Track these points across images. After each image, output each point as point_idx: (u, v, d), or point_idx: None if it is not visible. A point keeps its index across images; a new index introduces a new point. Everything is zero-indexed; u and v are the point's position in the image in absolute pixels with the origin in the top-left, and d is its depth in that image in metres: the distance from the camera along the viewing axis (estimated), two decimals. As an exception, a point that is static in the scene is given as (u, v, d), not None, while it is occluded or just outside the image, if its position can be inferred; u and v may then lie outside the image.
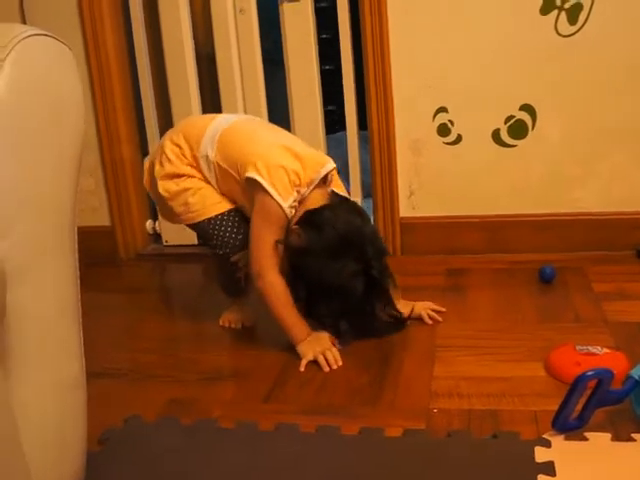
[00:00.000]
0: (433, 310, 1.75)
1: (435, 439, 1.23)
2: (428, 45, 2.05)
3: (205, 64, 2.37)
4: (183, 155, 1.67)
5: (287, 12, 2.14)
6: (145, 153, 2.33)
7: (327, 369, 1.53)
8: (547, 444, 1.16)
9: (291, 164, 1.59)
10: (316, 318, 1.62)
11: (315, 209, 1.61)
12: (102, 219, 2.45)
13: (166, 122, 2.38)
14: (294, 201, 1.60)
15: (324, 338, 1.60)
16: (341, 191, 1.72)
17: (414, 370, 1.51)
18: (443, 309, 1.77)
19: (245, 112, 2.28)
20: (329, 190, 1.66)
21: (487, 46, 2.02)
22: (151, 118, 2.40)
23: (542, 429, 1.22)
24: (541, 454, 1.14)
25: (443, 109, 2.08)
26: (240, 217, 1.69)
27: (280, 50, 2.21)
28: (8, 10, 2.30)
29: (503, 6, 1.98)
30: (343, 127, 2.28)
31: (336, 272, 1.55)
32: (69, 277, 0.98)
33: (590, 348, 1.44)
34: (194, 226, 1.72)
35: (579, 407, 1.19)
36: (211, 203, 1.68)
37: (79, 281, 1.01)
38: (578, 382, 1.15)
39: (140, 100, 2.41)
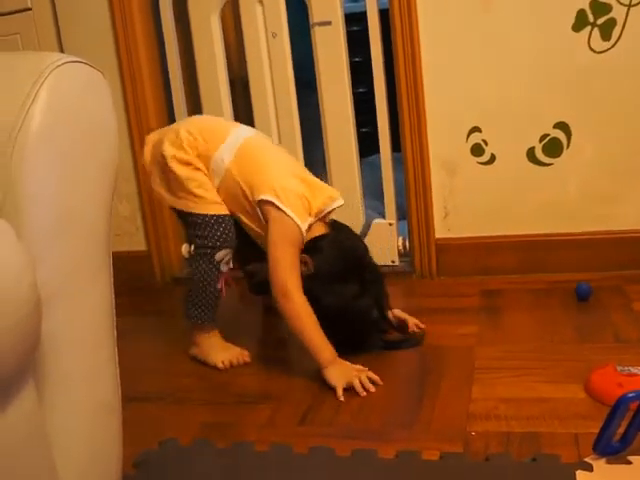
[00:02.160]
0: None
1: (473, 463, 1.21)
2: (460, 65, 2.05)
3: (239, 88, 2.40)
4: (195, 147, 1.69)
5: (319, 35, 2.15)
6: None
7: (364, 394, 1.51)
8: (589, 468, 1.14)
9: (305, 192, 1.65)
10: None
11: (319, 236, 1.67)
12: (138, 244, 2.48)
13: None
14: (308, 225, 1.64)
15: (351, 366, 1.57)
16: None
17: (451, 392, 1.49)
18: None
19: (279, 136, 2.29)
20: (327, 220, 1.73)
21: (520, 64, 2.00)
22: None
23: (583, 452, 1.19)
24: (583, 478, 1.11)
25: (476, 129, 2.07)
26: (234, 223, 1.72)
27: (312, 73, 2.22)
28: (46, 38, 2.35)
29: (535, 24, 1.97)
30: (377, 150, 2.28)
31: (340, 295, 1.63)
32: (104, 302, 0.99)
33: (631, 369, 1.40)
34: (188, 214, 1.72)
35: (621, 429, 1.16)
36: (213, 201, 1.70)
37: (114, 305, 1.02)
38: (620, 404, 1.13)
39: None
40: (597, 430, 1.16)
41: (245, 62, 2.27)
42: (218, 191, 1.71)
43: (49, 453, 0.86)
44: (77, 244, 0.93)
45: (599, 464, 1.15)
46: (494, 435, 1.29)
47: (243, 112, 2.41)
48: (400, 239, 2.27)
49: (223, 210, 1.70)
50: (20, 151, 0.83)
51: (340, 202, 1.72)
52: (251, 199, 1.67)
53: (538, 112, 2.02)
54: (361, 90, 2.46)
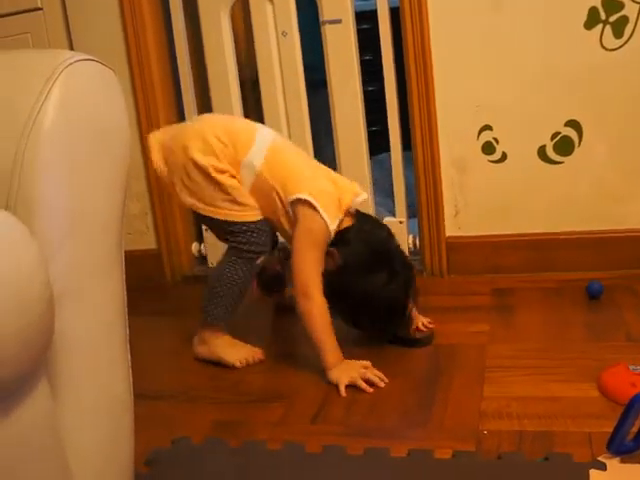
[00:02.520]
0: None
1: (485, 461, 1.21)
2: (471, 63, 2.04)
3: (248, 87, 2.39)
4: (227, 154, 1.67)
5: (329, 34, 2.15)
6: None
7: (371, 390, 1.52)
8: (602, 467, 1.13)
9: (335, 192, 1.66)
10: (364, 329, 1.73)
11: (345, 228, 1.67)
12: (149, 243, 2.48)
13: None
14: (338, 223, 1.65)
15: (356, 364, 1.59)
16: None
17: (463, 391, 1.49)
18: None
19: (289, 134, 2.29)
20: (352, 211, 1.72)
21: (531, 62, 1.99)
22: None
23: (596, 451, 1.19)
24: (596, 477, 1.11)
25: (487, 127, 2.06)
26: (268, 226, 1.71)
27: (322, 72, 2.21)
28: (56, 37, 2.35)
29: (547, 21, 1.96)
30: (387, 148, 2.28)
31: (370, 283, 1.63)
32: (116, 300, 0.99)
33: (644, 368, 1.40)
34: (229, 223, 1.69)
35: (635, 429, 1.15)
36: (254, 208, 1.69)
37: (126, 303, 1.02)
38: (634, 403, 1.12)
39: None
40: (610, 429, 1.16)
41: (255, 61, 2.26)
42: (253, 195, 1.69)
43: (62, 450, 0.86)
44: (89, 242, 0.92)
45: (613, 463, 1.14)
46: (506, 434, 1.29)
47: (253, 111, 2.40)
48: (410, 237, 2.27)
49: (261, 216, 1.70)
50: (32, 148, 0.83)
51: (365, 196, 1.73)
52: (284, 200, 1.66)
53: (549, 110, 2.01)
54: (371, 88, 2.45)
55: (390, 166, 2.26)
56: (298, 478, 1.22)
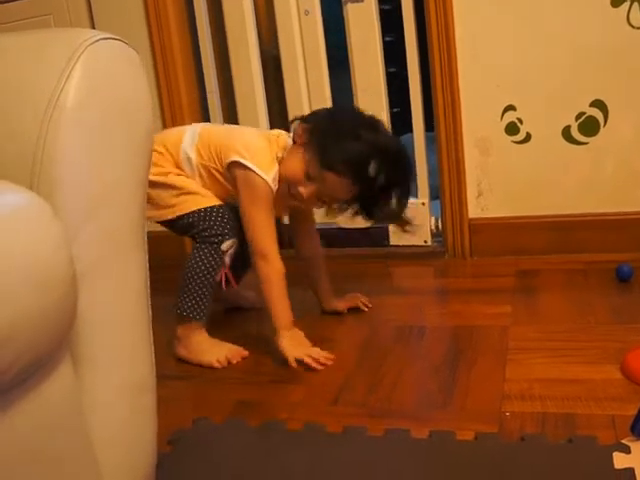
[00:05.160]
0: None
1: (508, 443, 1.20)
2: (495, 43, 2.01)
3: (271, 66, 2.38)
4: (165, 160, 1.68)
5: (351, 13, 2.13)
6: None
7: (320, 367, 1.57)
8: (626, 450, 1.12)
9: (266, 143, 1.66)
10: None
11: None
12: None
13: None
14: (275, 172, 1.63)
15: (305, 339, 1.63)
16: None
17: (486, 373, 1.47)
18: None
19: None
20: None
21: (556, 41, 1.97)
22: (218, 122, 2.43)
23: (620, 434, 1.17)
24: (620, 460, 1.10)
25: (511, 107, 2.04)
26: (229, 210, 1.68)
27: (345, 51, 2.20)
28: (78, 18, 2.36)
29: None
30: (409, 129, 2.26)
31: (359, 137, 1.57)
32: (139, 280, 0.99)
33: (670, 350, 1.38)
34: (187, 216, 1.67)
35: (660, 411, 1.14)
36: (207, 194, 1.68)
37: (149, 283, 1.02)
38: (659, 385, 1.10)
39: (206, 103, 2.44)
40: (634, 412, 1.15)
41: (277, 39, 2.25)
42: (205, 186, 1.70)
43: (86, 430, 0.86)
44: (112, 221, 0.92)
45: (637, 446, 1.13)
46: (529, 416, 1.28)
47: (275, 89, 2.39)
48: (433, 219, 2.25)
49: (219, 201, 1.69)
50: (55, 128, 0.83)
51: (294, 125, 1.68)
52: (223, 172, 1.67)
53: (574, 90, 1.98)
54: (394, 69, 2.43)
55: (413, 147, 2.24)
56: (318, 458, 1.22)
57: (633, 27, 1.90)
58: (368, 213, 1.69)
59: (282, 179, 1.64)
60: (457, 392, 1.41)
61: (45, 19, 2.39)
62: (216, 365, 1.66)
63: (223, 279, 1.70)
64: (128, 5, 2.31)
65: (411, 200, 2.23)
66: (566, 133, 2.01)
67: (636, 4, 1.88)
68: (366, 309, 1.87)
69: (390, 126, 2.23)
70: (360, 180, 1.58)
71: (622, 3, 1.89)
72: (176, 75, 2.33)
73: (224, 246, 1.64)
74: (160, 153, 1.69)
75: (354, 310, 1.88)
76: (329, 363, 1.58)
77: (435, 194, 2.26)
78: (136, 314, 0.99)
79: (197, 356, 1.68)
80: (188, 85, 2.37)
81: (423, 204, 2.24)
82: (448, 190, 2.15)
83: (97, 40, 0.89)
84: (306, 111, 2.26)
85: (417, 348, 1.64)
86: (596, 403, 1.29)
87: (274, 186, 1.63)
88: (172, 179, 1.67)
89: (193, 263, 1.66)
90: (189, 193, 1.67)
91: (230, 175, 1.65)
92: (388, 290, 2.06)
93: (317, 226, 2.39)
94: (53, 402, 0.79)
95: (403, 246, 2.29)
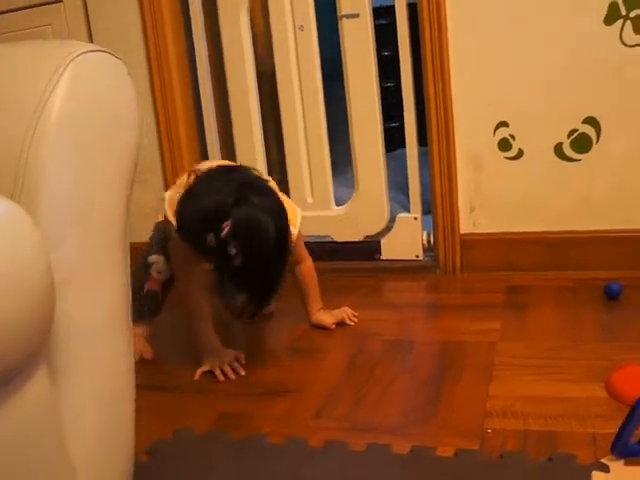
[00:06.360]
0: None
1: (488, 460, 1.19)
2: (488, 59, 2.02)
3: (265, 80, 2.39)
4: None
5: (346, 28, 2.14)
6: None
7: (222, 378, 1.62)
8: (605, 469, 1.11)
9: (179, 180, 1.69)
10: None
11: None
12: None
13: (227, 142, 2.42)
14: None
15: (228, 353, 1.68)
16: None
17: (470, 389, 1.47)
18: (356, 314, 1.89)
19: (305, 128, 2.29)
20: None
21: (549, 58, 1.97)
22: (213, 143, 2.46)
23: (600, 453, 1.17)
24: (599, 479, 1.09)
25: (504, 123, 2.04)
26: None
27: (339, 66, 2.21)
28: (76, 30, 2.37)
29: (566, 16, 1.93)
30: (403, 144, 2.26)
31: (203, 198, 1.49)
32: (120, 290, 0.99)
33: (655, 369, 1.38)
34: None
35: (640, 431, 1.13)
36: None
37: (130, 295, 1.02)
38: (639, 404, 1.10)
39: (202, 120, 2.45)
40: (616, 430, 1.14)
41: (272, 54, 2.26)
42: None
43: (61, 438, 0.86)
44: (94, 231, 0.93)
45: (616, 465, 1.12)
46: (511, 433, 1.27)
47: (269, 104, 2.40)
48: (425, 234, 2.25)
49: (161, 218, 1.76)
50: (39, 138, 0.83)
51: (205, 164, 1.70)
52: None
53: (567, 107, 1.99)
54: (390, 84, 2.44)
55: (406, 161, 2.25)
56: (298, 472, 1.21)
57: (626, 45, 1.91)
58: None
59: None
60: (440, 408, 1.40)
61: (44, 29, 2.41)
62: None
63: (159, 291, 1.79)
64: (125, 18, 2.33)
65: (403, 214, 2.26)
66: (558, 150, 2.02)
67: (629, 22, 1.89)
68: (352, 323, 1.86)
69: (383, 140, 2.25)
70: (202, 246, 1.48)
71: (615, 21, 1.90)
72: (172, 89, 2.34)
73: (149, 259, 1.77)
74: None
75: (343, 323, 1.87)
76: (232, 377, 1.62)
77: (428, 209, 2.26)
78: (115, 324, 0.99)
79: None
80: (184, 99, 2.38)
81: (415, 219, 2.24)
82: (440, 205, 2.16)
83: (84, 52, 0.90)
84: (299, 126, 2.27)
85: (404, 363, 1.64)
86: (578, 421, 1.29)
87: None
88: None
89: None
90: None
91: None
92: (378, 304, 2.06)
93: (309, 239, 2.41)
94: (29, 410, 0.79)
95: (395, 260, 2.29)
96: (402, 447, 1.26)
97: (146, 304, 1.78)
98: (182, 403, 1.56)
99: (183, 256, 1.65)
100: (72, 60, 0.89)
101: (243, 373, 1.64)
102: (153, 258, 1.77)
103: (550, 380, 1.46)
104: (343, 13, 2.12)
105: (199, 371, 1.65)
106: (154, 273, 1.77)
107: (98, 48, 0.94)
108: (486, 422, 1.33)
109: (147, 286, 1.77)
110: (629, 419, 1.11)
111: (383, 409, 1.43)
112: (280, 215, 1.52)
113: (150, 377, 1.69)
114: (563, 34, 1.95)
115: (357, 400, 1.47)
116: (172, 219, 1.59)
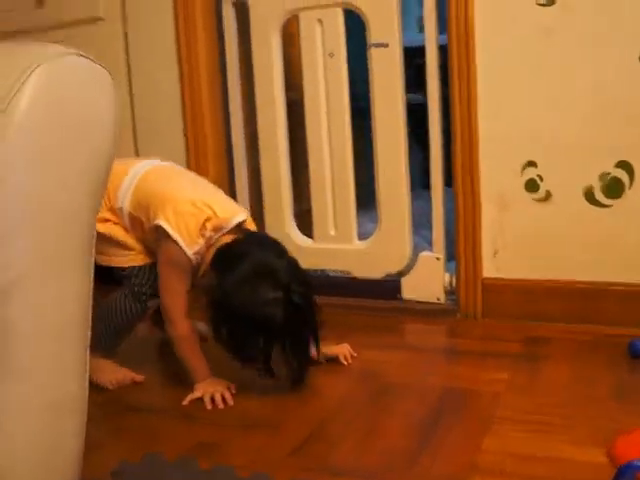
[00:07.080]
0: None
1: (459, 518, 1.09)
2: (517, 97, 1.93)
3: (293, 108, 2.36)
4: (104, 204, 1.66)
5: (375, 57, 2.08)
6: (234, 196, 2.33)
7: (209, 407, 1.57)
8: (584, 539, 1.00)
9: (199, 211, 1.61)
10: (247, 361, 1.59)
11: (223, 245, 1.62)
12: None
13: (255, 165, 2.39)
14: (200, 247, 1.61)
15: (221, 382, 1.63)
16: None
17: (462, 439, 1.37)
18: (355, 354, 1.81)
19: (331, 157, 2.24)
20: (240, 233, 1.66)
21: (581, 96, 1.87)
22: (241, 166, 2.44)
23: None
24: None
25: (532, 163, 1.94)
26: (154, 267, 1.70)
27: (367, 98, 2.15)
28: (113, 51, 2.39)
29: (599, 53, 1.83)
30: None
31: (251, 300, 1.53)
32: (80, 295, 0.95)
33: (662, 435, 1.25)
34: (122, 269, 1.72)
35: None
36: (141, 252, 1.71)
37: (92, 302, 0.98)
38: (625, 470, 0.99)
39: (231, 142, 2.43)
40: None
41: (301, 81, 2.23)
42: (134, 234, 1.71)
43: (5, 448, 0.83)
44: (52, 232, 0.90)
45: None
46: (494, 492, 1.17)
47: (296, 132, 2.36)
48: (447, 275, 2.16)
49: (150, 259, 1.71)
50: (1, 131, 0.82)
51: (240, 217, 1.67)
52: (149, 228, 1.65)
53: (599, 148, 1.87)
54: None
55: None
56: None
57: (664, 86, 1.80)
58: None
59: (203, 263, 1.64)
60: (426, 455, 1.31)
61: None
62: (110, 387, 1.70)
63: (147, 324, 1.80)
64: (161, 39, 2.34)
65: (426, 253, 2.17)
66: (588, 193, 1.90)
67: (667, 62, 1.78)
68: (345, 363, 1.77)
69: (409, 177, 2.17)
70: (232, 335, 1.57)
71: (653, 59, 1.80)
72: (202, 110, 2.33)
73: (150, 303, 1.72)
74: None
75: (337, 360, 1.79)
76: (220, 406, 1.57)
77: (451, 252, 2.16)
78: (69, 330, 0.96)
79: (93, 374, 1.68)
80: (213, 120, 2.37)
81: (438, 259, 2.15)
82: (463, 246, 2.06)
83: (60, 55, 0.89)
84: (325, 153, 2.23)
85: (399, 406, 1.54)
86: (568, 485, 1.17)
87: (194, 259, 1.62)
88: (105, 228, 1.66)
89: (113, 306, 1.71)
90: (123, 247, 1.70)
91: (155, 233, 1.64)
92: (388, 345, 1.96)
93: (330, 274, 2.34)
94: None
95: (416, 302, 2.20)
96: (373, 495, 1.17)
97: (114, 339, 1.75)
98: (162, 427, 1.51)
99: (176, 278, 1.63)
100: (45, 61, 0.89)
101: (232, 403, 1.58)
102: (155, 302, 1.72)
103: (548, 440, 1.34)
104: (373, 42, 2.07)
105: (189, 397, 1.60)
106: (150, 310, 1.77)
107: (79, 53, 0.93)
108: (471, 476, 1.22)
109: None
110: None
111: (364, 452, 1.34)
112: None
113: (137, 399, 1.65)
114: (596, 72, 1.84)
115: (338, 440, 1.39)
116: (189, 249, 1.60)
